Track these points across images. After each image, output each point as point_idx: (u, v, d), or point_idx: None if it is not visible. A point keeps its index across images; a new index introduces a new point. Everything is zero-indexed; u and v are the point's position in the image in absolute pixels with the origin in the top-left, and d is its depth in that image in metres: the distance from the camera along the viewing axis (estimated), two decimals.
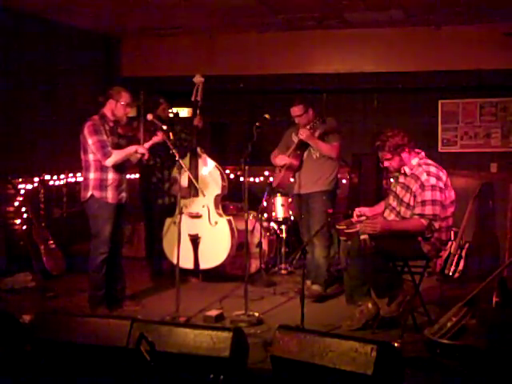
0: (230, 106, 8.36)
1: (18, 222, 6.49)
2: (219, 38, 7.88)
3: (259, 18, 7.01)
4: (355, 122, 7.80)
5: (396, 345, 3.96)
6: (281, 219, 6.68)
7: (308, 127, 5.44)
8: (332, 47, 7.66)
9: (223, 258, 5.74)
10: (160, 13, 6.76)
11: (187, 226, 5.60)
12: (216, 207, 5.82)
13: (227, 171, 7.13)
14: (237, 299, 5.44)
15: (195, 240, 5.72)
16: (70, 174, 7.03)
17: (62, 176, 6.99)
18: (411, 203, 4.51)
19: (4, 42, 6.38)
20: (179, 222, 5.11)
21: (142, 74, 7.99)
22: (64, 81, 7.21)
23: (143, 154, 5.13)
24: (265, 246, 6.44)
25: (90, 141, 4.96)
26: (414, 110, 7.78)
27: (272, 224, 6.74)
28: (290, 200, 6.51)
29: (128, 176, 5.45)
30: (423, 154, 4.67)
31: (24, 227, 6.46)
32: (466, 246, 5.84)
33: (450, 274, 5.73)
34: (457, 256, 5.76)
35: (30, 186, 6.60)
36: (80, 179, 5.30)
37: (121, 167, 5.10)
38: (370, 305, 4.63)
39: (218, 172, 5.85)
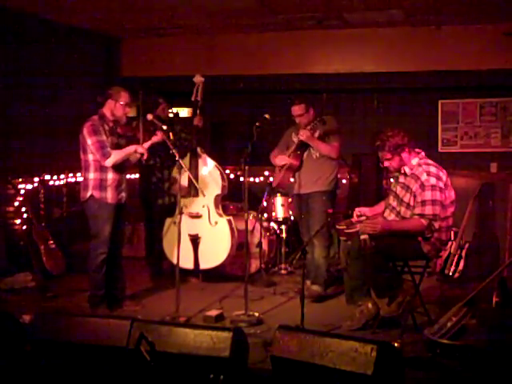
0: (230, 106, 8.36)
1: (18, 222, 6.49)
2: (219, 38, 7.88)
3: (259, 18, 7.01)
4: (355, 122, 7.80)
5: (396, 345, 3.95)
6: (281, 219, 6.68)
7: (308, 128, 5.44)
8: (332, 47, 7.66)
9: (223, 258, 5.75)
10: (160, 13, 6.76)
11: (187, 225, 5.60)
12: (216, 207, 5.82)
13: (227, 171, 7.13)
14: (237, 299, 5.44)
15: (195, 240, 5.72)
16: (70, 174, 7.03)
17: (62, 176, 6.98)
18: (411, 203, 4.51)
19: (4, 41, 6.38)
20: (179, 222, 5.11)
21: (142, 74, 7.99)
22: (64, 81, 7.21)
23: (142, 154, 5.13)
24: (265, 246, 6.44)
25: (89, 141, 4.96)
26: (414, 109, 7.77)
27: (272, 224, 6.74)
28: (289, 200, 6.51)
29: (128, 176, 5.46)
30: (423, 153, 4.67)
31: (24, 227, 6.46)
32: (466, 246, 5.84)
33: (450, 274, 5.73)
34: (457, 256, 5.76)
35: (30, 186, 6.60)
36: (80, 179, 5.30)
37: (120, 167, 5.10)
38: (369, 305, 4.64)
39: (218, 172, 5.86)
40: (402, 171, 4.63)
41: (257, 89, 8.12)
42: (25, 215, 6.46)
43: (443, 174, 4.53)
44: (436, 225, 4.41)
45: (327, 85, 7.84)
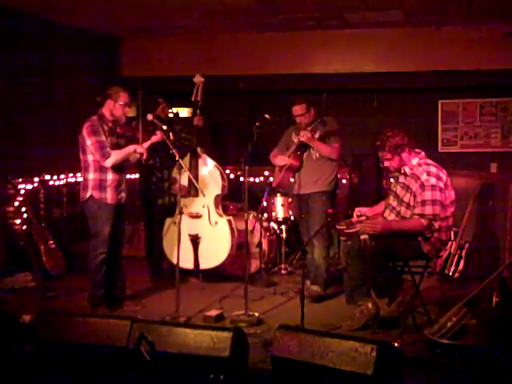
0: (229, 106, 8.35)
1: (18, 222, 6.49)
2: (219, 38, 7.88)
3: (259, 18, 7.01)
4: (355, 122, 7.78)
5: (396, 345, 3.95)
6: (281, 219, 6.68)
7: (309, 129, 5.44)
8: (332, 47, 7.65)
9: (223, 258, 5.74)
10: (160, 13, 6.76)
11: (187, 225, 5.60)
12: (216, 207, 5.82)
13: (227, 171, 7.13)
14: (237, 299, 5.45)
15: (195, 240, 5.72)
16: (70, 174, 7.03)
17: (62, 176, 6.98)
18: (411, 203, 4.51)
19: (4, 41, 6.38)
20: (179, 222, 5.11)
21: (142, 74, 7.99)
22: (64, 81, 7.21)
23: (142, 154, 5.13)
24: (265, 246, 6.44)
25: (88, 141, 4.96)
26: (414, 110, 7.77)
27: (272, 224, 6.74)
28: (289, 200, 6.52)
29: (128, 176, 5.46)
30: (423, 153, 4.67)
31: (24, 227, 6.46)
32: (466, 246, 5.84)
33: (450, 274, 5.73)
34: (457, 256, 5.76)
35: (30, 186, 6.60)
36: (80, 179, 5.30)
37: (120, 167, 5.10)
38: (370, 305, 4.64)
39: (218, 172, 5.86)
40: (402, 171, 4.63)
41: (257, 89, 8.11)
42: (25, 215, 6.46)
43: (443, 174, 4.53)
44: (436, 225, 4.41)
45: (327, 85, 7.83)
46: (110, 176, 5.04)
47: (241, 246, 5.80)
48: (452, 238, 5.47)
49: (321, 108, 5.91)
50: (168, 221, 5.83)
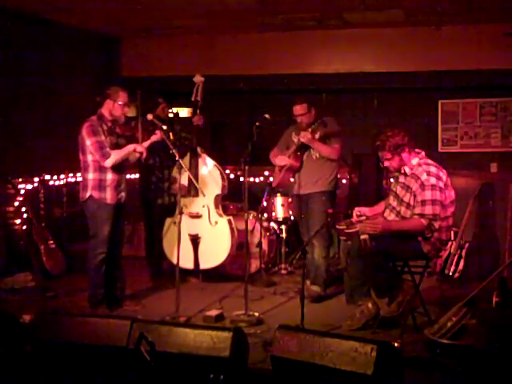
0: (230, 106, 8.35)
1: (18, 222, 6.49)
2: (219, 38, 7.88)
3: (259, 18, 7.01)
4: (355, 122, 7.79)
5: (396, 345, 3.95)
6: (281, 219, 6.68)
7: (309, 130, 5.43)
8: (332, 47, 7.65)
9: (223, 257, 5.74)
10: (160, 13, 6.76)
11: (187, 225, 5.60)
12: (216, 207, 5.82)
13: (227, 171, 7.13)
14: (237, 299, 5.45)
15: (195, 240, 5.72)
16: (70, 174, 7.03)
17: (62, 176, 6.98)
18: (411, 203, 4.51)
19: (4, 41, 6.38)
20: (179, 222, 5.11)
21: (142, 74, 7.99)
22: (64, 81, 7.21)
23: (142, 153, 5.12)
24: (265, 246, 6.44)
25: (88, 142, 4.96)
26: (414, 110, 7.77)
27: (272, 224, 6.74)
28: (289, 200, 6.52)
29: (128, 176, 5.45)
30: (423, 153, 4.67)
31: (24, 227, 6.46)
32: (466, 245, 5.84)
33: (450, 274, 5.73)
34: (457, 256, 5.76)
35: (30, 186, 6.60)
36: (80, 179, 5.30)
37: (119, 167, 5.10)
38: (370, 305, 4.64)
39: (218, 172, 5.86)
40: (402, 171, 4.63)
41: (257, 89, 8.11)
42: (25, 215, 6.46)
43: (443, 174, 4.53)
44: (436, 225, 4.41)
45: (327, 85, 7.83)
46: (109, 176, 5.04)
47: (241, 245, 5.80)
48: (452, 238, 5.47)
49: (321, 108, 5.89)
50: (168, 221, 5.83)
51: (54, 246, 6.43)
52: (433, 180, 4.44)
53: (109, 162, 4.98)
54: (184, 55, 7.93)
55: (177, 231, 5.09)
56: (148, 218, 6.33)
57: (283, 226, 6.69)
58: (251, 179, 7.46)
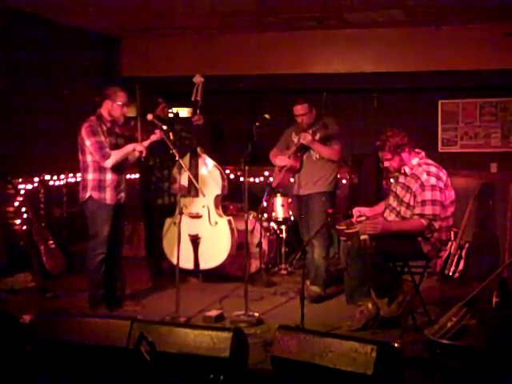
0: (230, 106, 8.35)
1: (18, 222, 6.48)
2: (219, 38, 7.88)
3: (259, 18, 7.00)
4: (355, 122, 7.79)
5: (396, 345, 3.96)
6: (281, 219, 6.68)
7: (310, 131, 5.43)
8: (332, 47, 7.65)
9: (223, 258, 5.74)
10: (160, 13, 6.75)
11: (187, 226, 5.60)
12: (216, 207, 5.82)
13: (227, 171, 7.13)
14: (237, 299, 5.45)
15: (195, 240, 5.72)
16: (70, 174, 7.02)
17: (62, 176, 6.98)
18: (411, 203, 4.51)
19: (4, 41, 6.38)
20: (179, 222, 5.11)
21: (142, 74, 7.98)
22: (64, 81, 7.20)
23: (141, 152, 5.11)
24: (265, 246, 6.44)
25: (87, 142, 4.96)
26: (414, 109, 7.77)
27: (272, 224, 6.74)
28: (289, 200, 6.52)
29: (128, 176, 5.45)
30: (423, 153, 4.67)
31: (24, 227, 6.46)
32: (466, 245, 5.84)
33: (450, 274, 5.73)
34: (457, 256, 5.76)
35: (30, 186, 6.60)
36: (80, 179, 5.30)
37: (119, 168, 5.10)
38: (370, 305, 4.64)
39: (218, 172, 5.85)
40: (402, 171, 4.63)
41: (257, 89, 8.11)
42: (25, 215, 6.45)
43: (443, 174, 4.53)
44: (436, 225, 4.41)
45: (327, 85, 7.83)
46: (109, 176, 5.04)
47: (241, 246, 5.80)
48: (452, 238, 5.47)
49: (321, 108, 5.89)
50: (168, 221, 5.83)
51: (53, 246, 6.42)
52: (433, 180, 4.44)
53: (109, 163, 4.98)
54: (184, 55, 7.93)
55: (177, 231, 5.09)
56: (148, 218, 6.33)
57: (283, 226, 6.69)
58: (251, 179, 7.46)
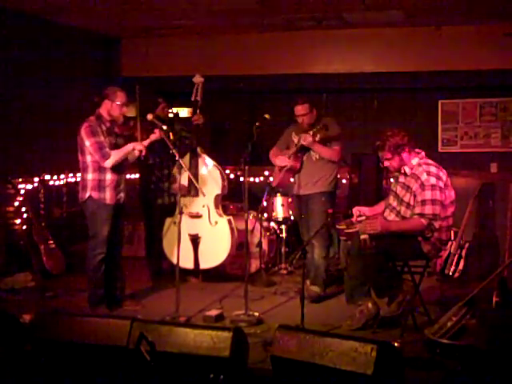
0: (230, 106, 8.35)
1: (18, 221, 6.49)
2: (219, 38, 7.88)
3: (259, 18, 7.00)
4: (355, 121, 7.79)
5: (396, 345, 3.95)
6: (281, 219, 6.68)
7: (310, 133, 5.43)
8: (332, 47, 7.65)
9: (223, 257, 5.74)
10: (160, 13, 6.76)
11: (187, 225, 5.60)
12: (216, 207, 5.82)
13: (227, 171, 7.13)
14: (237, 299, 5.44)
15: (195, 240, 5.72)
16: (70, 174, 7.02)
17: (62, 176, 6.98)
18: (411, 203, 4.51)
19: (4, 41, 6.38)
20: (179, 222, 5.11)
21: (142, 74, 7.98)
22: (64, 81, 7.20)
23: (141, 151, 5.11)
24: (265, 245, 6.44)
25: (87, 142, 4.96)
26: (414, 110, 7.77)
27: (272, 224, 6.74)
28: (289, 200, 6.51)
29: (128, 176, 5.45)
30: (423, 153, 4.67)
31: (24, 227, 6.46)
32: (466, 245, 5.83)
33: (450, 273, 5.72)
34: (457, 256, 5.76)
35: (30, 186, 6.60)
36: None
37: (119, 167, 5.10)
38: (370, 305, 4.64)
39: (218, 171, 5.85)
40: (402, 171, 4.63)
41: (257, 89, 8.11)
42: (25, 215, 6.45)
43: (443, 174, 4.53)
44: (436, 224, 4.41)
45: (327, 85, 7.83)
46: (108, 176, 5.04)
47: (241, 245, 5.80)
48: (452, 238, 5.47)
49: (321, 108, 5.89)
50: (168, 221, 5.83)
51: (53, 246, 6.42)
52: (433, 180, 4.44)
53: (109, 163, 4.98)
54: (184, 55, 7.93)
55: (177, 231, 5.09)
56: (148, 218, 6.33)
57: (283, 226, 6.69)
58: (251, 179, 7.46)
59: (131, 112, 5.41)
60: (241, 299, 5.13)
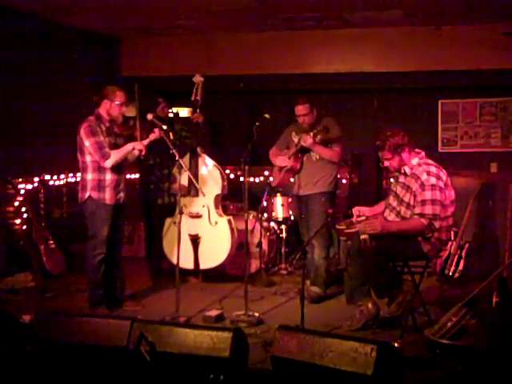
0: (230, 106, 8.35)
1: (18, 221, 6.49)
2: (219, 38, 7.88)
3: (259, 18, 7.00)
4: (355, 121, 7.79)
5: (396, 345, 3.95)
6: (281, 219, 6.68)
7: (311, 134, 5.42)
8: (332, 47, 7.65)
9: (223, 257, 5.75)
10: (160, 13, 6.75)
11: (187, 225, 5.60)
12: (216, 207, 5.82)
13: (227, 171, 7.13)
14: (237, 299, 5.44)
15: (195, 240, 5.72)
16: (70, 174, 7.02)
17: (62, 176, 6.98)
18: (411, 203, 4.51)
19: (4, 41, 6.37)
20: (179, 222, 5.11)
21: (142, 74, 7.98)
22: (64, 81, 7.20)
23: (141, 151, 5.10)
24: (265, 246, 6.44)
25: (86, 142, 4.96)
26: (414, 109, 7.77)
27: (272, 224, 6.74)
28: (289, 200, 6.51)
29: (128, 176, 5.44)
30: (423, 153, 4.67)
31: (24, 227, 6.46)
32: (466, 245, 5.84)
33: (450, 274, 5.73)
34: (457, 256, 5.76)
35: (30, 186, 6.60)
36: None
37: (118, 167, 5.10)
38: (370, 305, 4.64)
39: (218, 171, 5.86)
40: (402, 171, 4.63)
41: (257, 89, 8.11)
42: (25, 215, 6.45)
43: (443, 174, 4.53)
44: (436, 224, 4.41)
45: (327, 85, 7.83)
46: (108, 176, 5.04)
47: (241, 245, 5.81)
48: (452, 238, 5.47)
49: (321, 108, 5.88)
50: (168, 221, 5.83)
51: (53, 246, 6.43)
52: (433, 180, 4.44)
53: (109, 163, 4.98)
54: (184, 55, 7.92)
55: (177, 231, 5.08)
56: (148, 218, 6.33)
57: (283, 226, 6.69)
58: (251, 179, 7.46)
59: (131, 112, 5.41)
60: (241, 299, 5.13)
